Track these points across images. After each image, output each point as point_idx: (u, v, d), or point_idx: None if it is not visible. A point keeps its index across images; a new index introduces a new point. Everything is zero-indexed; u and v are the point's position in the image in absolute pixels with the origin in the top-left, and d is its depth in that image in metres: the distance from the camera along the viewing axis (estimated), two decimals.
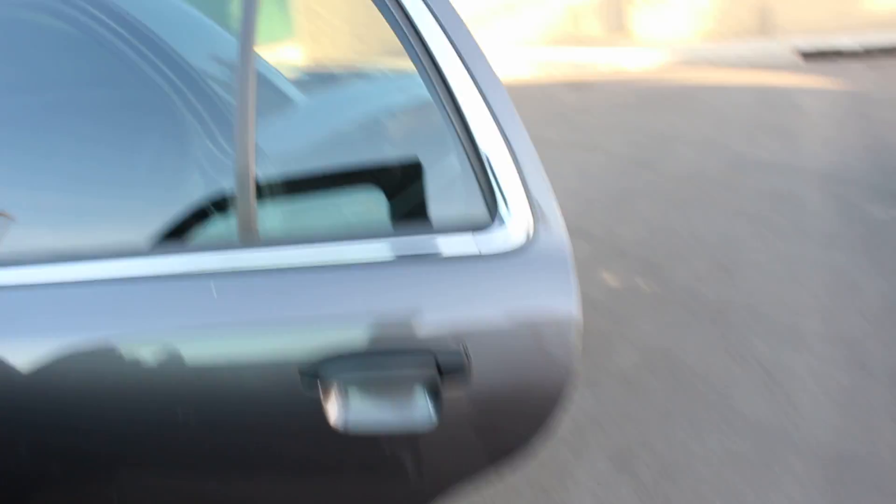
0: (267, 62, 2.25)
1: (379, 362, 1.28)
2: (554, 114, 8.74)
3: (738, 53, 11.78)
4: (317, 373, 1.29)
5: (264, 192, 1.44)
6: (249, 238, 1.34)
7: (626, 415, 2.93)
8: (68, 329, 1.33)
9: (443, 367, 1.28)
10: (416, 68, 1.34)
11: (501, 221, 1.31)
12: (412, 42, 1.33)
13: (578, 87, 10.45)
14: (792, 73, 10.20)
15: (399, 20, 1.34)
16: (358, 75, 3.03)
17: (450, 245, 1.31)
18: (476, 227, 1.32)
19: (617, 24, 14.15)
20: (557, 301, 1.28)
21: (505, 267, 1.29)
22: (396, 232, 1.36)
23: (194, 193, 1.49)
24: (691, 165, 6.11)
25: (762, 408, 2.91)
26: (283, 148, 1.64)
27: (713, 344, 3.36)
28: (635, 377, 3.16)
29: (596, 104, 9.11)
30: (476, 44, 1.35)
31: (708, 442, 2.74)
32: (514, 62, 12.74)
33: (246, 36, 1.33)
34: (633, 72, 11.59)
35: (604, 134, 7.48)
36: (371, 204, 1.53)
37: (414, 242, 1.32)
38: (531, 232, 1.31)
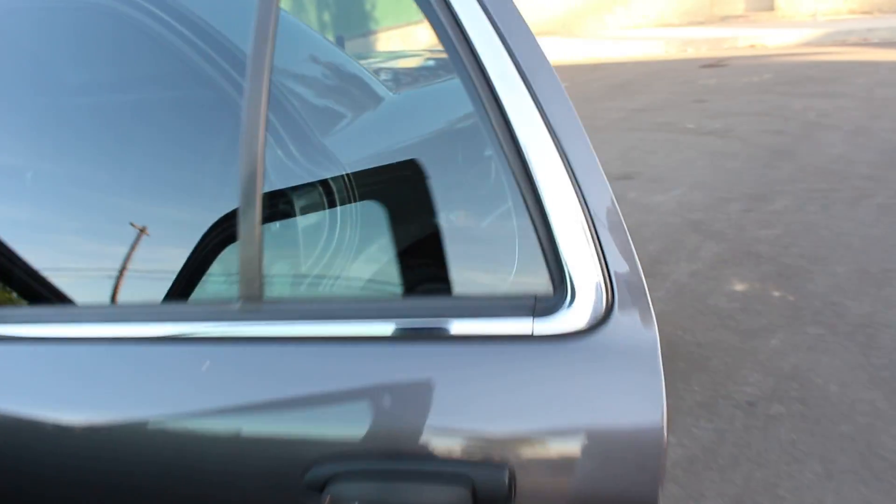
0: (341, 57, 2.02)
1: (400, 486, 1.02)
2: (686, 95, 8.22)
3: (892, 27, 10.82)
4: (325, 486, 1.05)
5: (276, 249, 1.22)
6: (252, 302, 1.11)
7: (748, 453, 2.59)
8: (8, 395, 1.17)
9: (480, 494, 1.00)
10: (469, 94, 1.06)
11: (565, 296, 1.03)
12: (463, 59, 1.06)
13: (714, 66, 9.83)
14: None
15: (450, 32, 1.07)
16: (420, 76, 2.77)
17: (497, 327, 1.03)
18: (533, 305, 1.05)
19: (762, 2, 13.29)
20: (637, 407, 0.97)
21: (566, 355, 1.01)
22: (424, 308, 1.09)
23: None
24: (838, 156, 5.55)
25: None
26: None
27: (855, 369, 2.95)
28: (762, 406, 2.80)
29: (733, 85, 8.52)
30: (549, 67, 1.05)
31: (844, 490, 2.37)
32: (650, 41, 12.16)
33: (260, 41, 1.09)
34: (775, 50, 10.84)
35: (739, 118, 6.95)
36: (393, 268, 1.28)
37: (450, 324, 1.05)
38: (605, 311, 1.01)
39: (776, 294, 3.57)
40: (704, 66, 9.98)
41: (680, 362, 3.10)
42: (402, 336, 1.05)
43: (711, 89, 8.43)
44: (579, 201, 1.01)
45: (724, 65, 9.92)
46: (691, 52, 11.51)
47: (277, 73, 1.39)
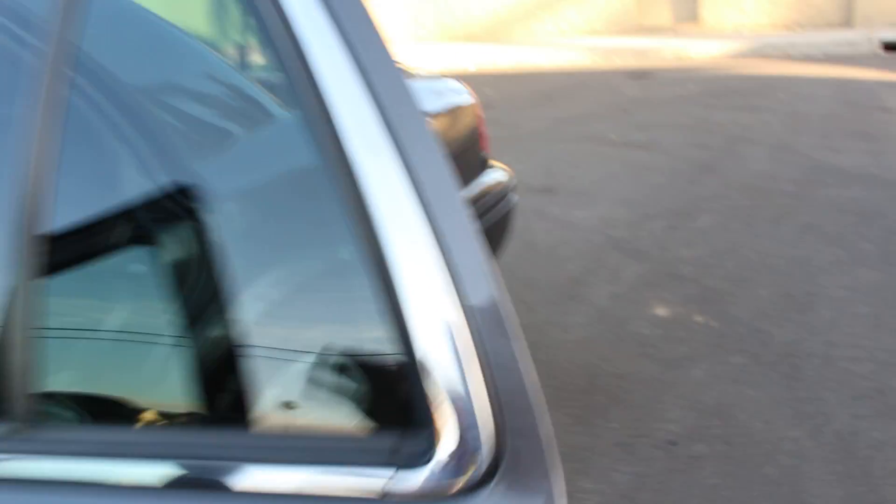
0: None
1: None
2: (611, 106, 8.13)
3: (815, 43, 10.97)
4: None
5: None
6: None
7: (667, 501, 2.40)
8: None
9: None
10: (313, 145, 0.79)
11: (432, 443, 0.74)
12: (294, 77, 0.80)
13: (640, 77, 9.80)
14: (875, 67, 9.40)
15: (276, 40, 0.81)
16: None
17: (328, 481, 0.74)
18: (387, 452, 0.76)
19: (687, 13, 13.39)
20: None
21: None
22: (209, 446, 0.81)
23: None
24: (762, 172, 5.48)
25: (837, 495, 2.36)
26: None
27: (780, 403, 2.80)
28: (684, 446, 2.63)
29: (658, 96, 8.47)
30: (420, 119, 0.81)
31: None
32: (577, 50, 12.11)
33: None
34: (700, 62, 10.88)
35: (665, 131, 6.87)
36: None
37: (246, 473, 0.77)
38: (489, 466, 0.72)
39: (699, 320, 3.42)
40: (630, 77, 9.95)
41: (599, 396, 2.92)
42: (175, 485, 0.77)
43: (637, 100, 8.37)
44: (459, 303, 0.74)
45: (650, 76, 9.90)
46: (618, 62, 11.50)
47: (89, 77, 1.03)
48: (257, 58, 0.98)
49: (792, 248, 4.10)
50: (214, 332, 0.89)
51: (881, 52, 10.59)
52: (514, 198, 3.06)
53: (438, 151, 0.79)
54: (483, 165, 2.94)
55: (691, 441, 2.64)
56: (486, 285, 0.75)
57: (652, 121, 7.33)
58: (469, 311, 0.74)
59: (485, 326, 0.74)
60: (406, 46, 14.17)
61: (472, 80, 10.71)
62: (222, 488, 0.76)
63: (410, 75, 2.96)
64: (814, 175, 5.33)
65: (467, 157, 2.83)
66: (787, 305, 3.49)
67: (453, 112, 2.82)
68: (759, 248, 4.14)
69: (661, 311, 3.51)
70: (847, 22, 12.30)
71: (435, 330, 0.74)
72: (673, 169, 5.70)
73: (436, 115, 2.71)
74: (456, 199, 0.77)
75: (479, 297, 0.75)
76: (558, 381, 3.02)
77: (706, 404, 2.83)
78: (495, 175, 2.97)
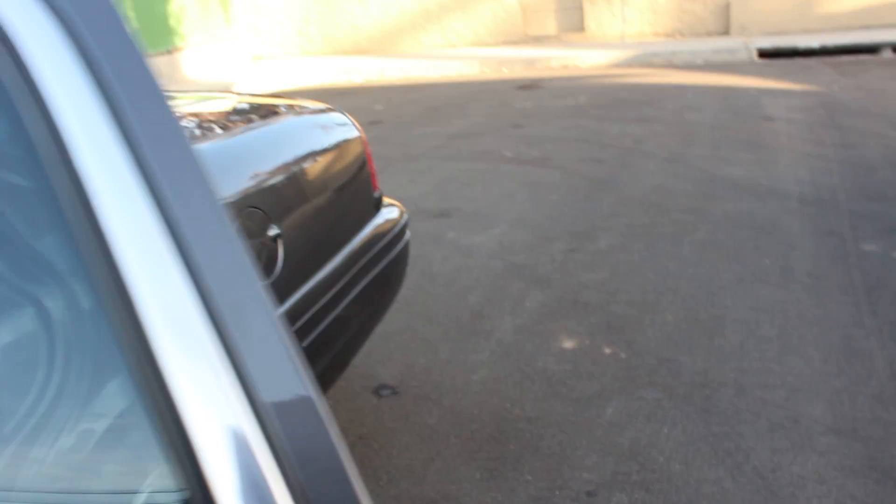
0: None
1: None
2: (503, 119, 8.03)
3: (696, 51, 11.21)
4: None
5: None
6: None
7: None
8: None
9: None
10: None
11: None
12: None
13: (529, 87, 9.77)
14: (753, 74, 9.65)
15: None
16: None
17: None
18: None
19: (572, 23, 13.52)
20: None
21: None
22: None
23: None
24: (656, 186, 5.45)
25: None
26: None
27: (697, 441, 2.68)
28: (602, 495, 2.46)
29: (548, 108, 8.43)
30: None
31: None
32: (465, 61, 12.03)
33: None
34: (587, 70, 10.96)
35: (558, 145, 6.80)
36: None
37: None
38: None
39: (607, 351, 3.29)
40: (520, 88, 9.91)
41: (511, 444, 2.73)
42: None
43: (528, 113, 8.30)
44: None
45: (539, 86, 9.88)
46: (506, 73, 11.46)
47: None
48: None
49: (693, 268, 4.03)
50: None
51: (758, 59, 10.91)
52: (407, 234, 2.85)
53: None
54: (377, 206, 2.71)
55: (610, 490, 2.48)
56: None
57: (544, 134, 7.25)
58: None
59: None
60: (292, 61, 13.81)
61: (359, 94, 10.49)
62: None
63: (294, 110, 2.71)
64: (708, 188, 5.32)
65: (360, 198, 2.60)
66: (695, 331, 3.40)
67: (340, 149, 2.58)
68: (660, 268, 4.06)
69: (567, 344, 3.37)
70: (725, 30, 12.64)
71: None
72: (569, 186, 5.61)
73: (323, 153, 2.47)
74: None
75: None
76: (466, 430, 2.83)
77: (622, 447, 2.68)
78: (388, 214, 2.75)
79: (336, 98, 9.96)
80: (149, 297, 0.66)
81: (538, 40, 13.71)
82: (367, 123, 6.84)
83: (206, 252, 0.68)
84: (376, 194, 2.71)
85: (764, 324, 3.41)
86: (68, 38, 0.68)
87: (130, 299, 0.66)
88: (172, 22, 11.76)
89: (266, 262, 1.95)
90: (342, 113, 2.75)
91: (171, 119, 0.72)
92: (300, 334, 1.99)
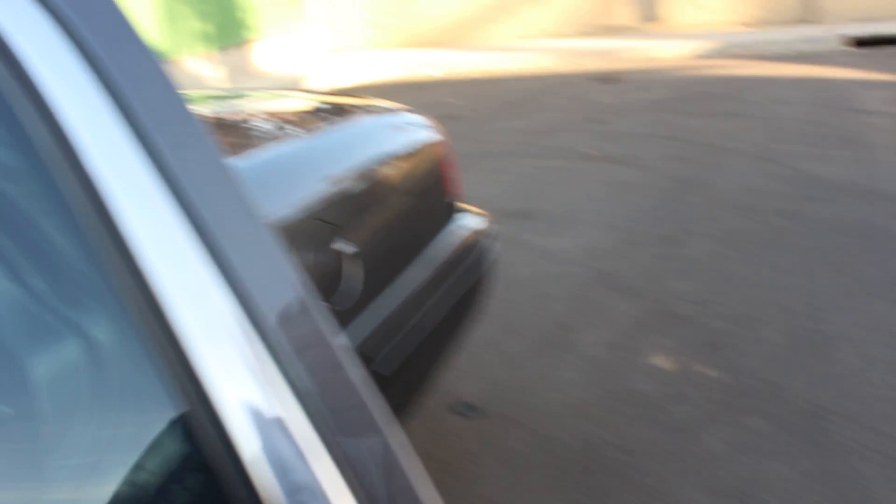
0: None
1: None
2: (583, 114, 7.77)
3: (781, 41, 10.73)
4: None
5: None
6: None
7: None
8: None
9: None
10: None
11: None
12: None
13: (609, 81, 9.46)
14: (845, 64, 9.15)
15: None
16: None
17: None
18: None
19: (650, 13, 13.10)
20: None
21: None
22: None
23: None
24: (747, 187, 5.15)
25: None
26: None
27: (808, 478, 2.44)
28: None
29: (629, 102, 8.13)
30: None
31: None
32: (541, 53, 11.76)
33: None
34: (668, 62, 10.59)
35: (640, 142, 6.52)
36: None
37: None
38: None
39: (705, 371, 3.05)
40: (597, 80, 9.61)
41: (600, 474, 2.53)
42: None
43: (608, 108, 8.02)
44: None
45: (619, 79, 9.57)
46: (584, 65, 11.16)
47: None
48: None
49: (795, 278, 3.75)
50: None
51: (850, 48, 10.37)
52: (496, 249, 2.66)
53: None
54: (449, 212, 2.51)
55: None
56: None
57: (624, 130, 6.98)
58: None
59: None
60: (366, 54, 13.73)
61: (435, 88, 10.32)
62: None
63: (361, 109, 2.53)
64: (804, 189, 5.00)
65: (428, 204, 2.40)
66: (801, 350, 3.14)
67: (414, 152, 2.39)
68: (758, 278, 3.79)
69: (662, 362, 3.14)
70: (811, 18, 12.09)
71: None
72: (655, 186, 5.35)
73: (394, 157, 2.28)
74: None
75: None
76: (556, 458, 2.63)
77: (725, 483, 2.46)
78: (468, 222, 2.55)
79: (412, 92, 9.83)
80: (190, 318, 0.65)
81: (613, 30, 13.34)
82: (444, 118, 6.68)
83: (241, 258, 0.67)
84: (448, 199, 2.52)
85: (878, 344, 3.13)
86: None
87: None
88: (244, 14, 11.77)
89: (331, 276, 1.80)
90: (420, 115, 2.56)
91: (191, 123, 0.71)
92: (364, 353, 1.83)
